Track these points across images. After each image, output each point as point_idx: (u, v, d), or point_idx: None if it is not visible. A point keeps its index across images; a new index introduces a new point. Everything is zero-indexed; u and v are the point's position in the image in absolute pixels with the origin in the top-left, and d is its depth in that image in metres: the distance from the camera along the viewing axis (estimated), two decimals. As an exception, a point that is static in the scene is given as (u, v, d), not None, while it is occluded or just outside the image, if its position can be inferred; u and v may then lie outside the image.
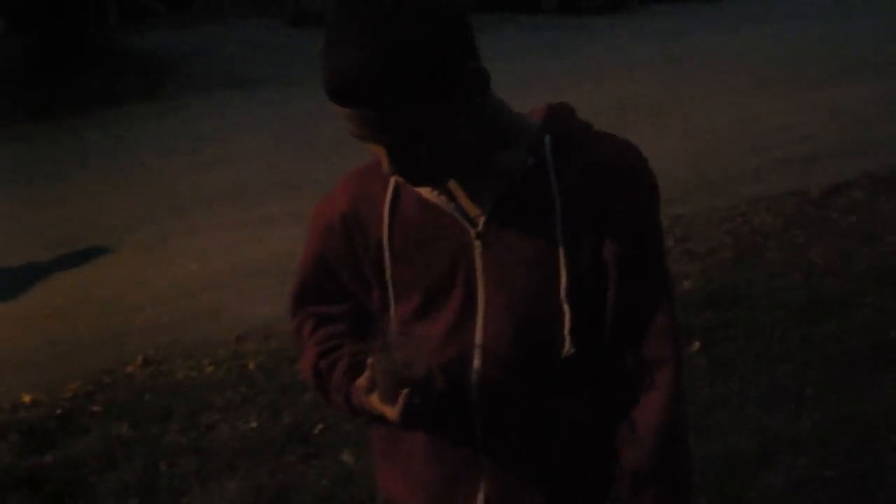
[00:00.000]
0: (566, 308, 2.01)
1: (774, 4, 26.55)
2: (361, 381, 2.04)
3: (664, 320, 2.06)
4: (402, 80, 1.79)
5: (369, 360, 1.99)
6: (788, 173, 10.09)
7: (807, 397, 5.34)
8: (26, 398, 6.20)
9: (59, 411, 5.96)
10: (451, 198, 2.04)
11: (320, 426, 5.45)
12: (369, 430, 2.29)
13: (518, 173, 2.00)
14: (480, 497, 2.13)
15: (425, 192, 2.05)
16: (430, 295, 2.08)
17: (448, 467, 2.14)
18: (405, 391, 1.94)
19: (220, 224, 9.67)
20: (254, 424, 5.59)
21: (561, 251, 1.99)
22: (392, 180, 2.08)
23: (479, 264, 2.03)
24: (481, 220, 2.02)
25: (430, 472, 2.16)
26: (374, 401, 2.02)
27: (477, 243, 2.03)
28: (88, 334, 7.32)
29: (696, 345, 6.02)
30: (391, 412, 1.98)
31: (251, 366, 6.36)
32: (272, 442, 5.38)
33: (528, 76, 15.32)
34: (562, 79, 16.17)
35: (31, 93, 17.38)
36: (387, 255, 2.10)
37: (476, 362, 2.05)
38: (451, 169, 1.99)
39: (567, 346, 2.02)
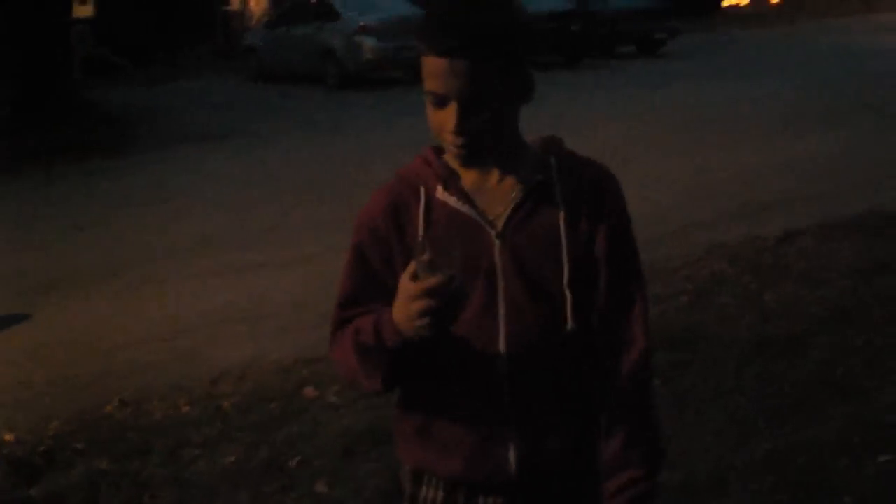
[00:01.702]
0: (568, 294, 2.47)
1: (728, 62, 27.15)
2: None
3: (640, 308, 2.57)
4: (494, 45, 2.34)
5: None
6: (744, 221, 10.40)
7: (759, 428, 5.61)
8: (8, 436, 6.37)
9: (42, 448, 6.14)
10: (473, 206, 2.49)
11: (296, 459, 5.68)
12: (400, 420, 2.66)
13: (530, 185, 2.49)
14: (512, 454, 2.52)
15: (451, 201, 2.50)
16: None
17: (482, 431, 2.52)
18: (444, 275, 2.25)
19: (191, 272, 9.88)
20: (231, 459, 5.79)
21: (564, 248, 2.47)
22: (423, 192, 2.53)
23: (497, 258, 2.48)
24: (500, 223, 2.48)
25: (466, 437, 2.53)
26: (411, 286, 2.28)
27: (497, 242, 2.48)
28: (65, 377, 7.51)
29: (655, 381, 6.28)
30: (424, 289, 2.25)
31: (226, 405, 6.57)
32: (250, 474, 5.59)
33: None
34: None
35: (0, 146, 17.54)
36: None
37: (502, 338, 2.47)
38: (495, 142, 2.46)
39: (569, 324, 2.47)
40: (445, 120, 2.38)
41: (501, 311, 2.47)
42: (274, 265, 9.95)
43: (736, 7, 47.13)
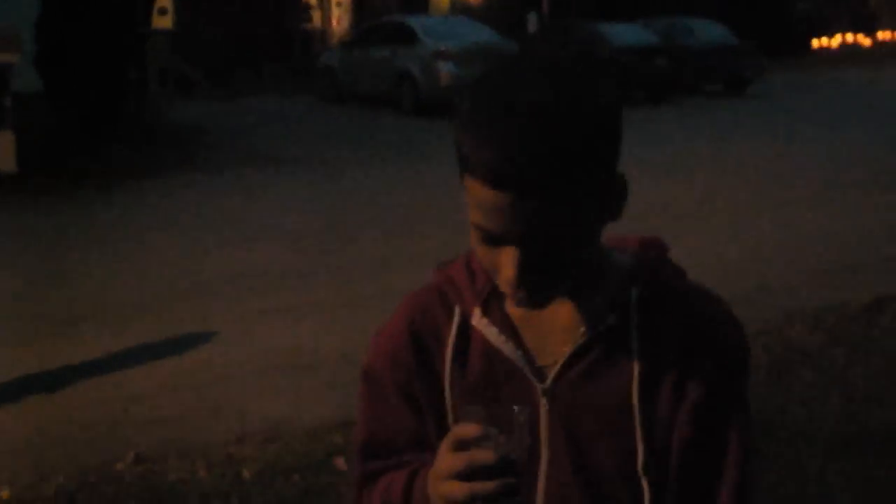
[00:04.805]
0: (644, 483, 1.81)
1: (818, 106, 26.60)
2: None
3: None
4: (575, 171, 1.61)
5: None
6: (829, 285, 9.77)
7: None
8: (5, 494, 5.86)
9: (38, 509, 5.62)
10: (519, 344, 1.85)
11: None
12: None
13: (598, 328, 1.82)
14: None
15: (490, 334, 1.86)
16: None
17: None
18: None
19: (236, 311, 9.33)
20: (244, 539, 5.21)
21: (637, 422, 1.80)
22: (457, 314, 1.90)
23: (543, 422, 1.84)
24: (550, 374, 1.84)
25: None
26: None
27: (543, 400, 1.84)
28: (81, 424, 6.99)
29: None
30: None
31: (246, 474, 5.95)
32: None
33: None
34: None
35: (60, 163, 17.13)
36: (448, 398, 1.90)
37: None
38: (567, 286, 1.79)
39: None
40: (500, 263, 1.71)
41: (540, 491, 1.84)
42: (327, 307, 9.34)
43: (826, 49, 46.81)
